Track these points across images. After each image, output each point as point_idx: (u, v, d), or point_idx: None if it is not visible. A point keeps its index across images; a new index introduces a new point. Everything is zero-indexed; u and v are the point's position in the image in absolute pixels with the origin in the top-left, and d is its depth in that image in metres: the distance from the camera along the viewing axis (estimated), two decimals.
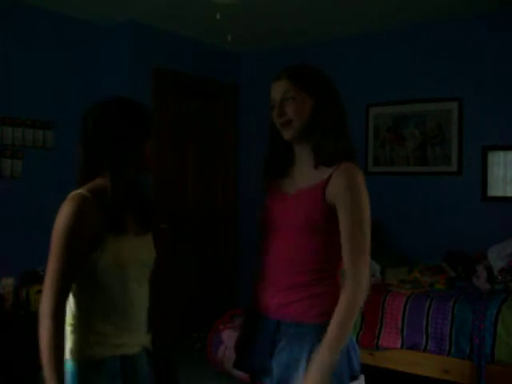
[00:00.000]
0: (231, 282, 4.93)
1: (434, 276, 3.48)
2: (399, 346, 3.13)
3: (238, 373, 3.40)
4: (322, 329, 1.51)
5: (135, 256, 1.58)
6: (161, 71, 4.41)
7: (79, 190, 1.57)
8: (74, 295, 1.54)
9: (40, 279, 3.73)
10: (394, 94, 4.32)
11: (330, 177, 1.57)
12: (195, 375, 3.77)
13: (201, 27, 4.36)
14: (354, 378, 1.58)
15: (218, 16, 3.49)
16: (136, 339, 1.60)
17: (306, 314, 1.58)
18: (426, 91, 4.17)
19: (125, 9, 3.98)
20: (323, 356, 1.47)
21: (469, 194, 3.98)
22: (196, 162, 4.82)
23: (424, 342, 3.07)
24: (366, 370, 3.12)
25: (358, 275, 1.51)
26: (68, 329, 1.51)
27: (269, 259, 1.66)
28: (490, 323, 2.89)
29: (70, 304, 1.54)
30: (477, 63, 3.96)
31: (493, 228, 3.77)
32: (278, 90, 1.63)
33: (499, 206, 3.87)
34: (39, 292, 3.63)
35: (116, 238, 1.51)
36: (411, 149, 4.25)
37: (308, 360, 1.51)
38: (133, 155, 1.58)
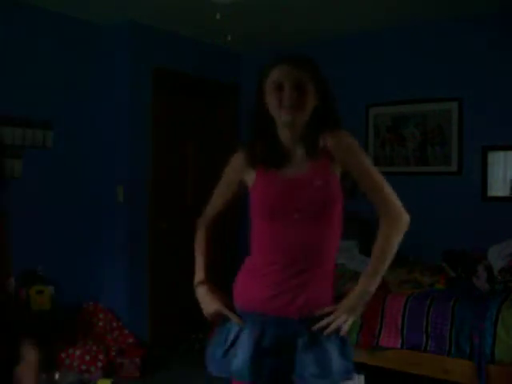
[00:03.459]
0: (231, 281, 4.91)
1: (434, 276, 3.48)
2: (399, 346, 3.13)
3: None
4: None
5: None
6: (161, 71, 4.40)
7: None
8: None
9: (40, 279, 3.75)
10: (393, 94, 4.32)
11: (328, 152, 1.62)
12: (195, 375, 3.77)
13: (201, 27, 4.35)
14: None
15: (218, 16, 3.50)
16: None
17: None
18: (426, 91, 4.17)
19: (125, 9, 3.97)
20: (363, 286, 1.59)
21: (469, 194, 3.98)
22: (196, 162, 4.81)
23: (424, 342, 3.06)
24: (366, 370, 3.12)
25: (391, 210, 1.60)
26: None
27: (281, 244, 1.62)
28: (490, 323, 2.89)
29: None
30: (477, 63, 3.97)
31: (493, 228, 3.77)
32: (290, 74, 1.62)
33: (499, 206, 3.88)
34: (39, 292, 3.63)
35: None
36: (411, 149, 4.25)
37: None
38: None
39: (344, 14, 4.05)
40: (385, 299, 3.23)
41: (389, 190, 1.62)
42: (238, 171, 1.75)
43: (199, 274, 1.84)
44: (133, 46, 4.24)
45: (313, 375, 1.55)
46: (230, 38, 4.08)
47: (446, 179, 4.10)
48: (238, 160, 1.77)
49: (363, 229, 3.95)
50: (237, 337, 1.64)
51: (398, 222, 1.60)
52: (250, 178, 1.71)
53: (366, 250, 3.84)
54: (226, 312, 1.69)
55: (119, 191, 4.23)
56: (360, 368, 2.99)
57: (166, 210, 4.51)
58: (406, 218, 1.61)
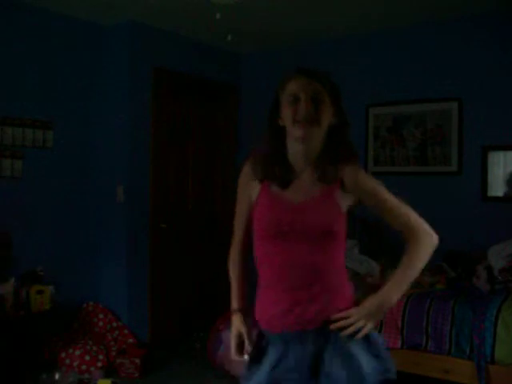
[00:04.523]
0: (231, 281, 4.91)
1: (434, 276, 3.48)
2: (399, 345, 3.13)
3: (238, 372, 3.39)
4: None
5: None
6: (161, 71, 4.40)
7: None
8: None
9: (40, 279, 3.75)
10: (393, 94, 4.32)
11: (341, 178, 1.60)
12: (195, 375, 3.77)
13: (201, 27, 4.35)
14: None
15: (217, 16, 3.50)
16: None
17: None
18: (425, 91, 4.17)
19: (125, 9, 3.98)
20: (386, 293, 1.58)
21: (469, 194, 3.98)
22: (196, 161, 4.81)
23: (424, 342, 3.07)
24: None
25: (421, 234, 1.62)
26: None
27: (282, 264, 1.60)
28: (490, 323, 2.89)
29: None
30: (477, 63, 3.96)
31: (493, 228, 3.77)
32: (307, 86, 1.58)
33: (499, 206, 3.87)
34: (39, 292, 3.63)
35: None
36: (411, 149, 4.25)
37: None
38: None
39: (344, 15, 4.05)
40: None
41: (414, 216, 1.63)
42: (248, 185, 1.71)
43: (233, 303, 1.82)
44: (133, 46, 4.24)
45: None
46: (230, 38, 4.08)
47: (445, 179, 4.10)
48: (245, 175, 1.72)
49: (363, 229, 3.95)
50: (264, 354, 1.64)
51: (428, 240, 1.63)
52: (255, 191, 1.68)
53: (366, 250, 3.84)
54: (245, 338, 1.73)
55: (119, 191, 4.23)
56: None
57: (166, 210, 4.51)
58: (435, 239, 1.64)
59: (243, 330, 1.72)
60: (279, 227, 1.59)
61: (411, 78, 4.24)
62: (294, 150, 1.63)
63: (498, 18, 3.88)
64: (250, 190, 1.70)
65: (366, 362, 1.55)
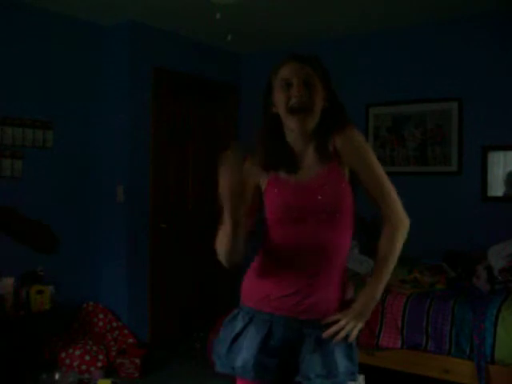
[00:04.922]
0: (231, 281, 4.92)
1: (434, 276, 3.48)
2: (399, 345, 3.13)
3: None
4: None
5: None
6: (161, 71, 4.41)
7: None
8: None
9: (40, 279, 3.75)
10: (393, 94, 4.32)
11: (335, 148, 1.59)
12: (195, 375, 3.77)
13: (201, 27, 4.36)
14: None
15: (218, 16, 3.50)
16: None
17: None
18: (426, 91, 4.17)
19: (125, 9, 3.98)
20: (370, 292, 1.60)
21: (469, 194, 3.98)
22: (196, 161, 4.82)
23: (424, 342, 3.06)
24: (366, 370, 3.12)
25: (394, 215, 1.60)
26: None
27: (296, 247, 1.59)
28: (490, 323, 2.89)
29: None
30: (477, 63, 3.97)
31: (493, 228, 3.77)
32: (299, 71, 1.59)
33: (499, 206, 3.88)
34: (39, 292, 3.63)
35: None
36: (411, 149, 4.25)
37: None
38: None
39: (344, 15, 4.05)
40: (385, 299, 3.23)
41: (394, 195, 1.61)
42: (254, 177, 1.70)
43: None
44: (133, 46, 4.24)
45: (318, 376, 1.54)
46: (230, 38, 4.08)
47: (445, 179, 4.10)
48: (249, 166, 1.69)
49: (363, 229, 3.95)
50: (240, 333, 1.62)
51: (400, 228, 1.61)
52: (263, 181, 1.69)
53: (366, 250, 3.84)
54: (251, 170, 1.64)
55: (119, 191, 4.23)
56: (360, 368, 2.99)
57: (166, 210, 4.51)
58: (407, 223, 1.62)
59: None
60: (286, 210, 1.59)
61: (411, 77, 4.24)
62: (291, 137, 1.65)
63: (498, 18, 3.88)
64: (255, 181, 1.69)
65: (340, 361, 1.57)
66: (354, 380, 1.61)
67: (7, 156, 3.73)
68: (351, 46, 4.54)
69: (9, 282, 3.51)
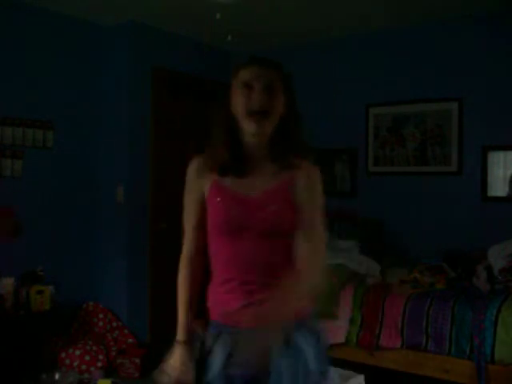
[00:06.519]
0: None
1: (434, 276, 3.48)
2: (399, 346, 3.13)
3: None
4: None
5: None
6: (160, 71, 4.40)
7: None
8: None
9: (40, 279, 3.75)
10: (393, 94, 4.32)
11: (293, 178, 1.57)
12: None
13: (201, 27, 4.36)
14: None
15: (218, 16, 3.50)
16: None
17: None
18: (426, 91, 4.17)
19: (125, 9, 3.98)
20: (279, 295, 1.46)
21: (469, 194, 3.98)
22: None
23: (424, 342, 3.07)
24: (366, 370, 3.12)
25: (317, 238, 1.55)
26: None
27: (236, 261, 1.56)
28: (490, 323, 2.89)
29: None
30: (477, 63, 3.97)
31: (493, 228, 3.77)
32: (261, 76, 1.54)
33: (499, 206, 3.88)
34: (39, 292, 3.63)
35: None
36: (411, 149, 4.25)
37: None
38: None
39: (344, 15, 4.05)
40: (385, 299, 3.23)
41: (322, 231, 1.57)
42: (198, 183, 1.65)
43: (179, 333, 1.75)
44: (133, 46, 4.24)
45: (289, 379, 1.51)
46: (230, 38, 4.08)
47: (445, 179, 4.10)
48: (194, 171, 1.69)
49: (363, 229, 3.95)
50: (210, 349, 1.62)
51: (321, 253, 1.56)
52: (206, 187, 1.63)
53: (366, 250, 3.84)
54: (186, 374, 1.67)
55: (119, 191, 4.23)
56: (360, 368, 3.00)
57: (165, 210, 4.51)
58: (320, 272, 1.54)
59: (188, 366, 1.65)
60: (234, 224, 1.55)
61: (411, 78, 4.24)
62: (247, 144, 1.59)
63: (498, 18, 3.88)
64: (200, 186, 1.65)
65: (311, 359, 1.53)
66: (326, 379, 1.57)
67: (7, 156, 3.73)
68: (351, 46, 4.54)
69: (9, 281, 3.51)
